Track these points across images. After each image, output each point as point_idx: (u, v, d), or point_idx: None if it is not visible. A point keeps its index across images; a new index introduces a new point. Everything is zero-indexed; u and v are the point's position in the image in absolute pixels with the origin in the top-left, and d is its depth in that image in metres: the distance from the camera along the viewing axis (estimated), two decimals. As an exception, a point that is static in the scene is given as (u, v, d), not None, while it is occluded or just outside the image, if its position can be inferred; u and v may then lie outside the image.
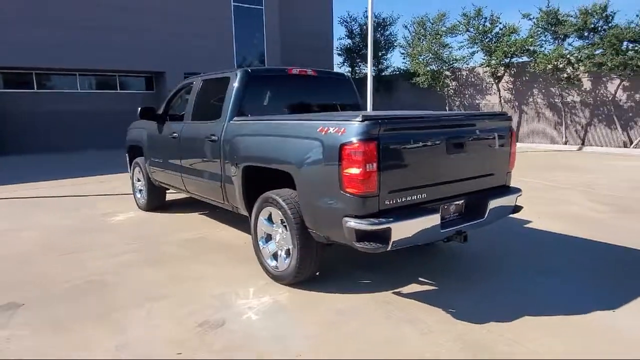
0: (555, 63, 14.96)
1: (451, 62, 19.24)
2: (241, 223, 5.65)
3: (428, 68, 19.38)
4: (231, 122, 4.34)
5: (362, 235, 3.03)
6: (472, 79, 19.60)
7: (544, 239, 5.01)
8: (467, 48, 17.81)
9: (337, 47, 25.83)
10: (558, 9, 14.97)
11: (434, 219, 3.23)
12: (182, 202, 7.14)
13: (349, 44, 25.42)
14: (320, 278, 3.85)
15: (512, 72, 17.52)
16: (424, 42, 20.05)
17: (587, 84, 15.42)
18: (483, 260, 4.36)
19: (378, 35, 23.45)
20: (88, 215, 6.48)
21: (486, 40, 17.18)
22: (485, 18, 17.18)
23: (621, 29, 13.13)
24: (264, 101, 4.71)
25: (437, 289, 3.70)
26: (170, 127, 5.53)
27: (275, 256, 3.88)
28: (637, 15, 13.13)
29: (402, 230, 3.05)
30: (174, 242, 5.07)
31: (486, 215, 3.63)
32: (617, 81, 14.44)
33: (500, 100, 17.86)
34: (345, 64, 25.45)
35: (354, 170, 2.98)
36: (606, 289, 3.62)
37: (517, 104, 17.80)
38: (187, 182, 5.23)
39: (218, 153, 4.45)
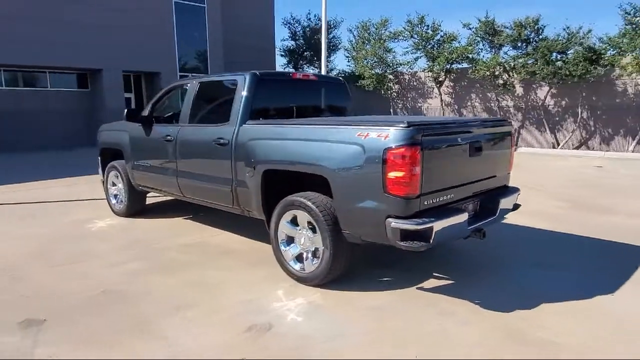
0: (493, 70, 16.14)
1: (395, 67, 20.01)
2: (234, 227, 5.61)
3: (373, 71, 20.01)
4: (245, 125, 4.32)
5: (406, 235, 3.20)
6: (414, 83, 20.53)
7: (522, 234, 5.47)
8: (411, 53, 18.63)
9: (280, 48, 25.90)
10: (494, 20, 16.15)
11: (463, 218, 3.48)
12: (160, 206, 6.90)
13: (292, 45, 25.56)
14: (342, 278, 3.96)
15: (452, 77, 18.61)
16: (368, 46, 20.68)
17: (519, 90, 16.79)
18: (479, 256, 4.69)
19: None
20: (63, 222, 6.07)
21: (429, 47, 18.09)
22: (428, 25, 18.09)
23: (550, 41, 14.47)
24: (271, 104, 4.72)
25: (454, 283, 3.96)
26: (162, 129, 5.36)
27: (299, 258, 3.94)
28: (563, 29, 14.53)
29: (441, 228, 3.26)
30: (173, 248, 4.93)
31: (497, 213, 3.95)
32: (546, 88, 15.87)
33: (442, 104, 18.89)
34: (289, 65, 25.54)
35: (399, 174, 3.14)
36: (598, 276, 4.08)
37: (456, 107, 18.93)
38: (184, 186, 5.10)
39: (228, 156, 4.41)
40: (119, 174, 6.21)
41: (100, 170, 6.70)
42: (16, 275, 4.16)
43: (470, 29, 16.67)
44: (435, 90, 19.01)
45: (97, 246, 5.02)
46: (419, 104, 20.32)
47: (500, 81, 16.40)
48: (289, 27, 25.30)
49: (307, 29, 24.96)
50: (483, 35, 16.47)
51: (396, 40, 19.87)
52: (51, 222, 6.12)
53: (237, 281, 4.01)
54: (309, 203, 3.69)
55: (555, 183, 9.04)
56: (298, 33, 25.26)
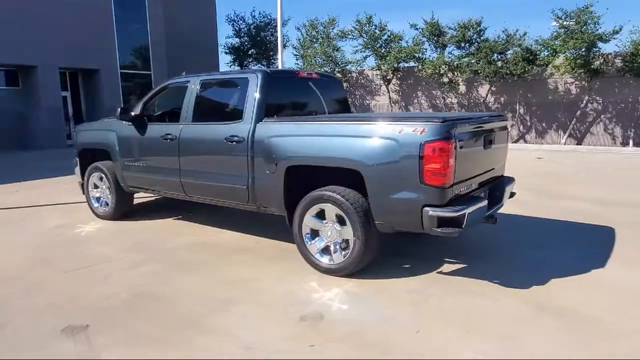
0: (439, 69, 17.04)
1: (343, 65, 20.47)
2: (230, 225, 5.63)
3: (322, 69, 20.32)
4: (262, 123, 4.37)
5: (442, 222, 3.46)
6: (362, 81, 21.13)
7: (505, 220, 5.94)
8: (361, 52, 19.16)
9: (224, 45, 25.48)
10: (437, 21, 17.05)
11: (484, 204, 3.81)
12: (143, 208, 6.69)
13: (237, 42, 25.24)
14: (365, 268, 4.15)
15: (400, 75, 19.38)
16: (316, 45, 20.98)
17: (462, 87, 17.86)
18: (478, 241, 5.08)
19: (269, 36, 23.77)
20: (45, 228, 5.73)
21: (377, 46, 18.71)
22: (375, 25, 18.70)
23: (491, 42, 15.56)
24: (280, 102, 4.80)
25: (467, 266, 4.29)
26: (160, 128, 5.25)
27: (325, 251, 4.08)
28: (502, 32, 15.67)
29: (471, 215, 3.56)
30: (180, 248, 4.86)
31: (503, 200, 4.34)
32: (487, 86, 17.03)
33: (390, 101, 19.62)
34: (235, 63, 25.20)
35: (436, 165, 3.39)
36: (584, 251, 4.60)
37: (404, 104, 19.74)
38: (188, 185, 5.03)
39: (244, 154, 4.44)
40: (104, 176, 5.96)
41: (78, 172, 6.37)
42: (31, 283, 3.94)
43: (417, 29, 17.46)
44: (384, 87, 19.70)
45: (98, 250, 4.83)
46: (367, 101, 20.94)
47: (446, 79, 17.35)
48: (233, 24, 24.98)
49: (252, 27, 24.76)
50: (429, 35, 17.31)
51: (344, 40, 20.36)
52: (31, 228, 5.76)
53: (265, 276, 4.07)
54: (339, 197, 3.84)
55: (511, 173, 9.79)
56: (242, 30, 24.99)
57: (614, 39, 13.77)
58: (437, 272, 4.12)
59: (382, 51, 18.54)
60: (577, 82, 15.39)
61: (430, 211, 3.44)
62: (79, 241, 5.18)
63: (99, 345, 2.91)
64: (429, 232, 3.53)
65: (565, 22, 14.11)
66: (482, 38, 16.13)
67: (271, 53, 23.87)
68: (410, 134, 3.48)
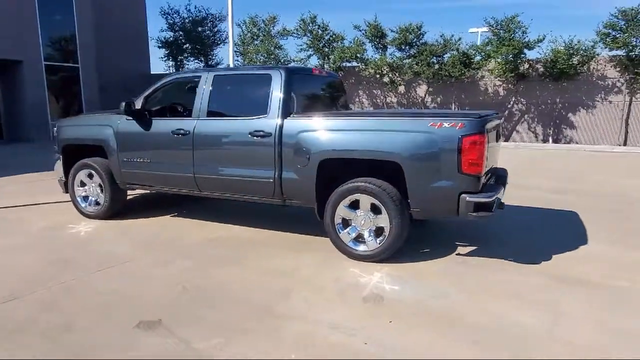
0: (381, 70, 17.82)
1: (286, 63, 20.60)
2: (234, 220, 5.68)
3: (265, 67, 20.28)
4: (290, 118, 4.51)
5: (477, 207, 3.87)
6: (304, 80, 21.40)
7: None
8: (305, 51, 19.43)
9: (157, 39, 24.36)
10: (379, 23, 17.81)
11: (503, 191, 4.29)
12: (130, 207, 6.44)
13: (171, 37, 24.27)
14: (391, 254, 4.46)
15: (341, 74, 19.93)
16: (257, 42, 20.90)
17: (402, 88, 18.84)
18: (473, 227, 5.58)
19: (207, 31, 23.21)
20: (34, 230, 5.35)
21: (321, 45, 19.10)
22: (319, 25, 19.07)
23: (431, 45, 16.63)
24: (300, 98, 4.94)
25: (478, 248, 4.76)
26: (168, 123, 5.17)
27: (357, 239, 4.33)
28: (440, 36, 16.80)
29: (498, 200, 4.01)
30: (200, 244, 4.84)
31: (505, 187, 4.87)
32: (425, 87, 18.14)
33: (333, 100, 20.11)
34: (169, 58, 24.22)
35: (473, 156, 3.79)
36: (569, 232, 5.29)
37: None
38: (203, 180, 5.00)
39: (271, 148, 4.55)
40: (94, 173, 5.69)
41: (60, 170, 5.99)
42: (64, 285, 3.74)
43: (360, 30, 18.12)
44: (326, 86, 20.13)
45: (111, 250, 4.65)
46: (309, 100, 21.26)
47: (387, 79, 18.19)
48: (167, 17, 23.99)
49: (187, 21, 23.96)
50: (371, 37, 18.03)
51: (285, 38, 20.52)
52: (18, 230, 5.34)
53: (303, 266, 4.21)
54: (376, 187, 4.11)
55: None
56: (177, 24, 24.08)
57: (538, 46, 15.44)
58: (456, 255, 4.55)
59: (325, 50, 18.97)
60: (504, 85, 16.95)
61: (468, 197, 3.84)
62: (82, 242, 4.94)
63: (187, 336, 2.93)
64: (464, 217, 3.92)
65: (497, 30, 15.52)
66: (421, 41, 17.16)
67: (209, 49, 23.30)
68: (449, 128, 3.85)
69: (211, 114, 4.96)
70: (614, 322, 3.17)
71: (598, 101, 15.73)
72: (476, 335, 2.97)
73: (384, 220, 4.17)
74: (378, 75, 18.17)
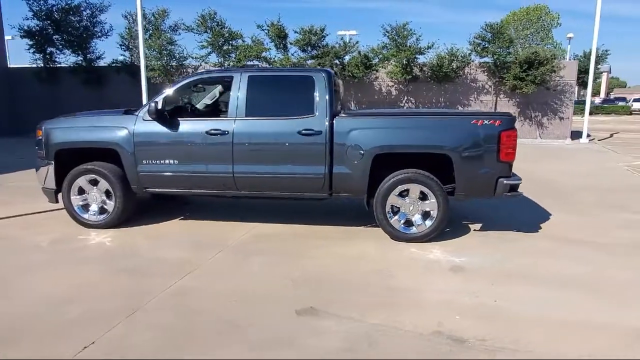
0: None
1: (181, 60, 19.79)
2: (249, 217, 5.83)
3: (159, 62, 19.25)
4: (340, 117, 4.90)
5: (511, 188, 4.78)
6: (200, 77, 20.80)
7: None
8: (205, 48, 18.93)
9: (18, 27, 21.17)
10: (282, 25, 18.29)
11: (517, 176, 5.30)
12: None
13: (36, 26, 21.32)
14: (428, 233, 5.15)
15: (242, 73, 19.91)
16: (146, 36, 19.64)
17: (303, 87, 19.60)
18: (478, 206, 6.50)
19: (84, 20, 20.97)
20: (42, 246, 4.79)
21: (220, 43, 18.82)
22: (217, 22, 18.77)
23: (335, 47, 17.71)
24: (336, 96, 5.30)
25: (483, 224, 5.70)
26: (201, 124, 5.13)
27: (407, 224, 4.94)
28: (341, 39, 17.97)
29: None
30: (253, 241, 4.95)
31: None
32: (327, 86, 19.19)
33: (234, 98, 19.98)
34: (34, 48, 21.23)
35: (509, 147, 4.69)
36: (535, 209, 6.59)
37: (247, 101, 20.38)
38: (244, 180, 5.07)
39: (321, 145, 4.88)
40: (101, 179, 5.27)
41: (50, 177, 5.36)
42: (173, 290, 3.62)
43: (263, 29, 18.35)
44: (226, 84, 19.91)
45: (166, 255, 4.51)
46: (207, 98, 20.77)
47: (290, 79, 18.76)
48: (31, 3, 21.01)
49: (55, 9, 21.30)
50: (274, 37, 18.41)
51: (178, 33, 19.72)
52: (25, 247, 4.72)
53: (369, 251, 4.67)
54: (425, 177, 4.77)
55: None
56: (43, 12, 21.25)
57: (428, 52, 17.56)
58: (474, 231, 5.43)
59: (225, 48, 18.77)
60: (396, 85, 18.87)
61: (505, 181, 4.73)
62: (122, 252, 4.64)
63: (351, 315, 3.23)
64: (499, 196, 4.81)
65: (393, 36, 17.25)
66: (323, 43, 18.11)
67: (85, 42, 21.02)
68: (489, 125, 4.69)
69: (250, 113, 5.05)
70: (629, 262, 4.34)
71: (472, 100, 18.54)
72: (557, 282, 3.83)
73: (430, 205, 4.84)
74: (281, 75, 18.65)
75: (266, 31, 18.37)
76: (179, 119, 5.16)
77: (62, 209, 5.56)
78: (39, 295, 3.56)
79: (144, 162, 5.17)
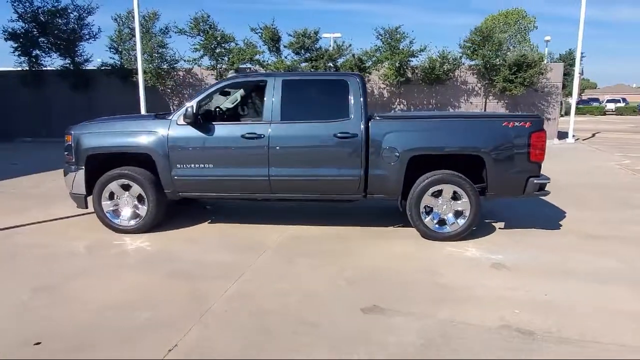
0: (280, 72, 18.39)
1: (172, 62, 19.62)
2: (274, 219, 5.89)
3: (151, 65, 19.04)
4: (375, 120, 5.03)
5: (540, 187, 4.98)
6: (190, 80, 20.67)
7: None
8: (198, 51, 18.82)
9: (2, 30, 20.64)
10: (276, 28, 18.36)
11: (540, 176, 5.50)
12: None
13: (21, 28, 20.83)
14: (457, 232, 5.32)
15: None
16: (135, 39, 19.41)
17: (296, 89, 19.67)
18: (492, 205, 6.70)
19: (71, 23, 20.58)
20: (80, 252, 4.77)
21: (212, 46, 18.74)
22: (210, 25, 18.69)
23: (330, 50, 17.86)
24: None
25: (506, 222, 5.88)
26: (236, 127, 5.21)
27: (441, 223, 5.08)
28: (334, 42, 18.10)
29: (546, 182, 5.20)
30: (293, 243, 5.03)
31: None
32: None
33: (226, 101, 19.92)
34: (19, 50, 20.72)
35: (539, 148, 4.89)
36: (550, 207, 6.83)
37: (239, 104, 20.34)
38: (278, 182, 5.14)
39: (357, 148, 4.99)
40: (133, 184, 5.27)
41: (80, 183, 5.32)
42: (238, 293, 3.67)
43: (257, 32, 18.36)
44: (218, 87, 19.82)
45: (215, 258, 4.53)
46: (198, 101, 20.62)
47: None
48: (15, 7, 20.51)
49: (41, 11, 20.84)
50: (267, 40, 18.44)
51: (169, 36, 19.57)
52: (59, 254, 4.68)
53: (412, 250, 4.81)
54: (458, 178, 4.93)
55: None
56: (28, 14, 20.77)
57: (420, 55, 17.87)
58: (499, 228, 5.62)
59: (218, 51, 18.72)
60: (388, 87, 19.12)
61: (535, 180, 4.93)
62: (165, 256, 4.66)
63: (415, 311, 3.34)
64: (529, 195, 5.00)
65: (385, 39, 17.49)
66: (317, 46, 18.23)
67: (73, 45, 20.62)
68: (520, 127, 4.88)
69: (285, 117, 5.12)
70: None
71: (462, 102, 18.92)
72: (597, 276, 4.03)
73: (463, 205, 5.00)
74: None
75: (260, 34, 18.40)
76: (213, 123, 5.21)
77: (77, 215, 5.56)
78: (98, 302, 3.56)
79: (179, 166, 5.19)
